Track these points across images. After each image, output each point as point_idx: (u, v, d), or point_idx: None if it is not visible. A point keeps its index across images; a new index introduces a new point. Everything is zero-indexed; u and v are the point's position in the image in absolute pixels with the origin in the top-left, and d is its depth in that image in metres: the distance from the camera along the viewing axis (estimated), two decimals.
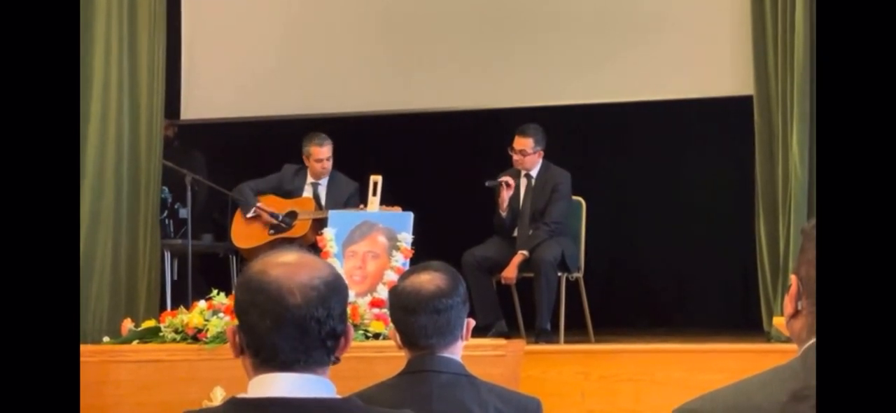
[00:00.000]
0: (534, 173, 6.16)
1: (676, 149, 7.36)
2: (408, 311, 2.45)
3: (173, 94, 7.02)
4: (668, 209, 7.29)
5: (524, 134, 6.08)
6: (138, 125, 6.67)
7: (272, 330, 1.71)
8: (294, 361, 1.72)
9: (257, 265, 1.77)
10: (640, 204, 7.41)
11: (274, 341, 1.71)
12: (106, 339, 4.99)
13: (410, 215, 5.44)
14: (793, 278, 1.69)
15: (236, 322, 1.78)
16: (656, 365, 5.20)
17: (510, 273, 5.95)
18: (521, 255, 5.95)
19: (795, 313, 1.67)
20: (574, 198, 6.34)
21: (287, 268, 1.74)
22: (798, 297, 1.66)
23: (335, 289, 1.76)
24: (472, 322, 2.53)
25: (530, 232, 6.03)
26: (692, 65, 6.41)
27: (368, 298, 4.97)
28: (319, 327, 1.72)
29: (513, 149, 6.07)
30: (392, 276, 5.14)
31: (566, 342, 5.92)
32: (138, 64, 6.67)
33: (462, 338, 2.48)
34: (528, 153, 6.06)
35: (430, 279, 2.45)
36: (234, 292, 1.79)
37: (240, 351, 1.77)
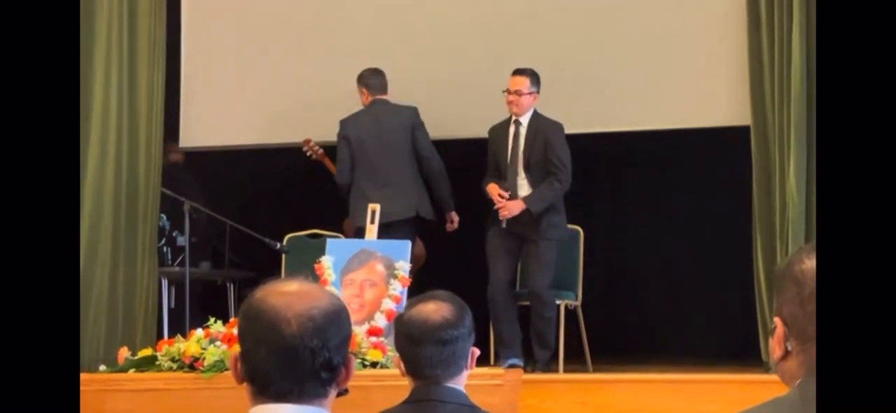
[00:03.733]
0: (524, 120, 5.95)
1: (674, 178, 7.37)
2: (414, 341, 2.45)
3: (172, 121, 7.03)
4: (666, 238, 7.30)
5: (520, 73, 5.87)
6: (137, 152, 6.68)
7: (266, 358, 1.69)
8: (287, 392, 1.69)
9: (260, 292, 1.76)
10: (638, 233, 7.41)
11: (267, 370, 1.69)
12: (102, 367, 4.98)
13: (408, 243, 5.44)
14: (777, 321, 1.68)
15: (239, 349, 1.78)
16: (656, 395, 5.19)
17: (513, 208, 5.80)
18: (523, 205, 5.81)
19: (785, 355, 1.66)
20: (572, 226, 6.34)
21: (287, 297, 1.72)
22: (785, 338, 1.66)
23: (334, 320, 1.73)
24: (477, 352, 2.52)
25: (527, 182, 5.87)
26: (689, 95, 6.43)
27: (366, 327, 4.97)
28: (313, 358, 1.69)
29: (508, 90, 5.90)
30: (390, 305, 5.14)
31: (565, 372, 5.91)
32: (137, 92, 6.69)
33: (467, 368, 2.48)
34: (524, 93, 5.87)
35: (436, 309, 2.45)
36: (238, 319, 1.78)
37: (241, 379, 1.75)
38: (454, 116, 6.69)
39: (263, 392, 1.70)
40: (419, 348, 2.44)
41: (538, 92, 5.99)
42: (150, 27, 6.70)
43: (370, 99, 6.37)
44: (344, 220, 6.59)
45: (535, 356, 5.86)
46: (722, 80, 6.30)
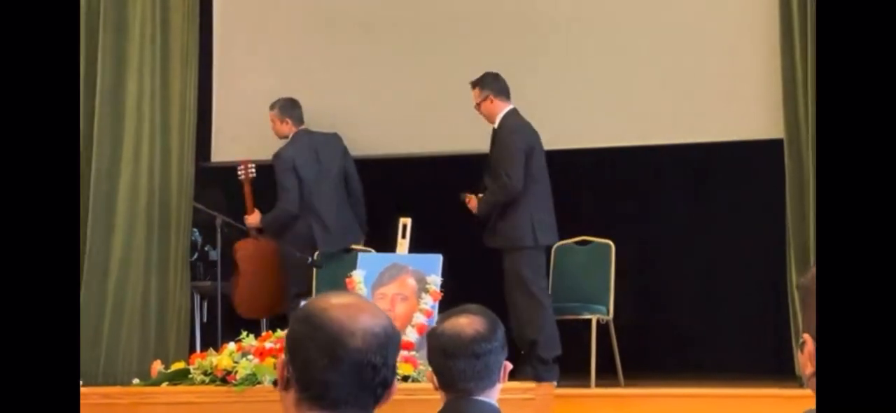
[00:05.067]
0: (496, 125, 5.93)
1: (706, 192, 7.33)
2: (447, 354, 2.45)
3: (204, 136, 7.07)
4: (699, 251, 7.25)
5: (472, 87, 5.93)
6: (169, 167, 6.72)
7: (328, 368, 1.71)
8: (343, 402, 1.71)
9: (319, 302, 1.77)
10: (671, 246, 7.37)
11: (328, 379, 1.71)
12: (136, 380, 5.01)
13: (439, 258, 5.44)
14: (806, 337, 1.66)
15: (284, 355, 1.78)
16: (688, 409, 5.16)
17: (470, 206, 5.88)
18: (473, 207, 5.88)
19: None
20: (603, 240, 6.31)
21: (349, 309, 1.74)
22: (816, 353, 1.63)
23: (393, 339, 1.76)
24: (509, 366, 2.52)
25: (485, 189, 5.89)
26: (721, 108, 6.39)
27: None
28: (374, 374, 1.72)
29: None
30: (421, 319, 5.14)
31: (596, 386, 5.88)
32: (170, 107, 6.74)
33: (499, 381, 2.48)
34: (478, 101, 5.90)
35: (469, 323, 2.46)
36: (290, 326, 1.79)
37: (286, 385, 1.76)
38: (484, 130, 6.69)
39: (317, 400, 1.72)
40: (452, 361, 2.45)
41: (492, 92, 5.91)
42: (182, 42, 6.75)
43: (295, 129, 6.53)
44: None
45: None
46: (755, 93, 6.26)
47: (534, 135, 5.96)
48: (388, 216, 6.05)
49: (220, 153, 7.22)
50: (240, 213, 6.89)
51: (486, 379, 2.45)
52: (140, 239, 6.65)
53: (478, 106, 5.96)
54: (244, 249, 6.70)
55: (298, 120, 6.57)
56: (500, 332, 2.48)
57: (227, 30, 7.16)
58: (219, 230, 6.56)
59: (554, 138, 6.57)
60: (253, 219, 6.64)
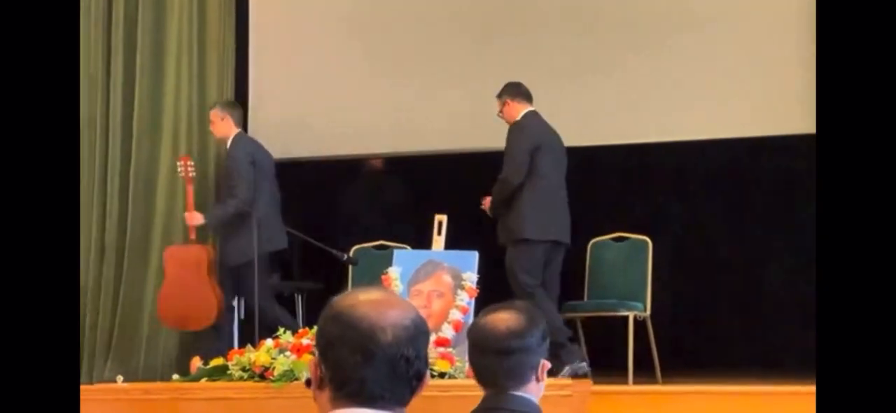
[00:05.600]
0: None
1: (745, 187, 7.28)
2: (478, 349, 2.46)
3: None
4: (737, 247, 7.20)
5: (497, 98, 6.08)
6: (207, 165, 6.78)
7: (362, 365, 1.72)
8: (379, 397, 1.73)
9: (346, 300, 1.78)
10: (708, 242, 7.32)
11: (363, 376, 1.72)
12: (175, 376, 5.05)
13: (475, 254, 5.44)
14: None
15: (316, 355, 1.79)
16: (727, 407, 5.12)
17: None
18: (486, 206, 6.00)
19: None
20: (640, 236, 6.29)
21: (377, 304, 1.75)
22: None
23: (422, 330, 1.77)
24: (548, 365, 2.50)
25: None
26: (760, 103, 6.35)
27: (433, 337, 4.98)
28: (408, 367, 1.73)
29: None
30: (457, 316, 5.14)
31: (634, 383, 5.86)
32: (207, 104, 6.80)
33: (537, 379, 2.46)
34: (499, 108, 6.06)
35: (503, 319, 2.45)
36: (319, 326, 1.80)
37: (319, 384, 1.77)
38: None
39: (352, 397, 1.73)
40: (481, 357, 2.45)
41: (509, 95, 6.06)
42: (218, 42, 6.81)
43: (235, 129, 6.50)
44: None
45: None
46: (792, 88, 6.20)
47: (545, 134, 6.00)
48: (424, 214, 6.06)
49: None
50: (281, 211, 6.92)
51: (517, 377, 2.43)
52: (178, 237, 6.71)
53: (500, 113, 6.07)
54: (174, 256, 6.43)
55: (238, 120, 6.56)
56: (537, 330, 2.46)
57: (262, 29, 7.20)
58: (255, 227, 6.59)
59: (589, 134, 6.55)
60: (195, 218, 6.43)
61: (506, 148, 5.97)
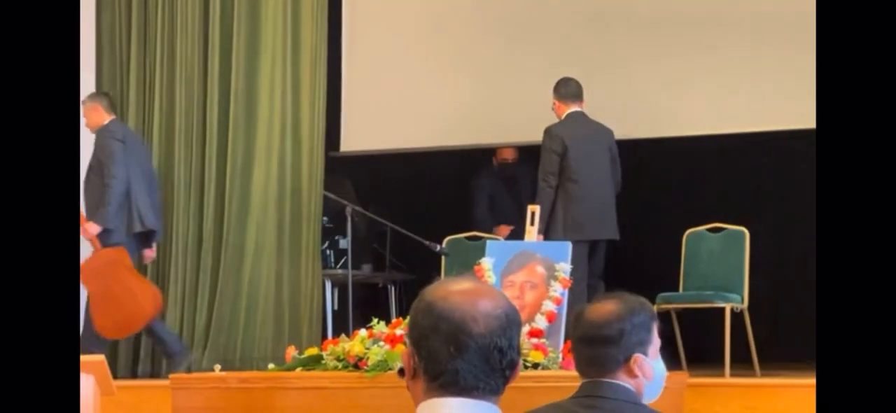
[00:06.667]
0: None
1: None
2: (577, 336, 2.47)
3: (334, 126, 7.18)
4: None
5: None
6: (300, 158, 6.86)
7: (455, 356, 1.73)
8: (473, 388, 1.73)
9: (437, 291, 1.78)
10: (807, 232, 7.14)
11: (456, 367, 1.73)
12: (271, 365, 5.12)
13: (569, 245, 5.40)
14: None
15: (409, 345, 1.79)
16: None
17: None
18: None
19: None
20: (737, 227, 6.18)
21: (469, 295, 1.76)
22: None
23: (514, 320, 1.77)
24: (639, 358, 2.46)
25: None
26: None
27: (527, 328, 4.95)
28: (501, 357, 1.74)
29: None
30: (550, 306, 5.11)
31: (731, 376, 5.75)
32: (300, 98, 6.87)
33: (630, 373, 2.43)
34: (552, 109, 6.18)
35: (605, 308, 2.44)
36: (411, 317, 1.80)
37: (413, 374, 1.78)
38: (621, 115, 6.64)
39: (446, 387, 1.74)
40: (579, 344, 2.46)
41: (556, 97, 6.17)
42: (312, 34, 6.87)
43: (108, 116, 6.47)
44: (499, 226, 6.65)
45: None
46: None
47: (575, 135, 6.08)
48: (518, 205, 6.05)
49: (350, 143, 7.33)
50: (368, 201, 6.97)
51: (600, 366, 2.41)
52: (273, 228, 6.80)
53: (554, 110, 6.20)
54: (88, 269, 6.15)
55: (108, 107, 6.54)
56: (627, 323, 2.42)
57: (356, 21, 7.25)
58: (349, 219, 6.64)
59: (687, 124, 6.46)
60: (91, 229, 6.31)
61: (543, 150, 6.12)
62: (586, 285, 5.86)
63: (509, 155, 7.25)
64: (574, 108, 6.14)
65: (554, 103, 6.18)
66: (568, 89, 6.16)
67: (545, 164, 6.05)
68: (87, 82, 7.11)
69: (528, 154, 6.75)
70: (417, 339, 1.77)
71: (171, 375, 5.22)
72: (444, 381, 1.73)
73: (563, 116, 6.15)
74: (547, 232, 5.99)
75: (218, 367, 5.13)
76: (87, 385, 4.30)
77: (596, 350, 2.41)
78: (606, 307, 2.44)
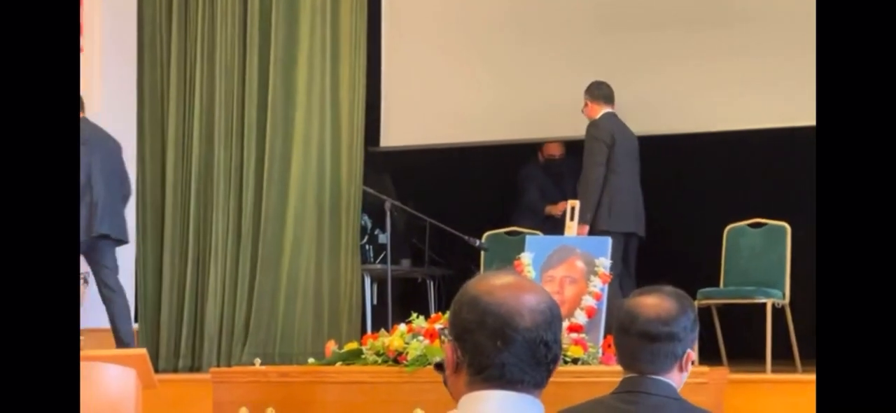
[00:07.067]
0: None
1: None
2: (622, 330, 2.44)
3: (373, 121, 7.19)
4: None
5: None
6: (339, 153, 6.87)
7: (502, 350, 1.74)
8: (519, 381, 1.75)
9: (481, 285, 1.79)
10: None
11: (503, 361, 1.74)
12: (311, 360, 5.14)
13: (609, 240, 5.38)
14: None
15: (450, 340, 1.79)
16: None
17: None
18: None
19: None
20: (778, 222, 6.13)
21: (513, 289, 1.78)
22: None
23: (557, 314, 1.79)
24: (692, 355, 2.45)
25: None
26: None
27: (566, 323, 4.94)
28: (546, 351, 1.76)
29: None
30: (590, 302, 5.09)
31: (773, 372, 5.71)
32: (340, 93, 6.88)
33: (680, 368, 2.41)
34: (585, 104, 6.35)
35: (651, 303, 2.41)
36: (454, 311, 1.81)
37: (455, 369, 1.78)
38: (658, 111, 6.60)
39: (492, 381, 1.75)
40: (625, 338, 2.43)
41: (589, 98, 6.35)
42: (351, 29, 6.88)
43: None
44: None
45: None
46: None
47: (618, 131, 6.27)
48: (564, 199, 6.03)
49: (389, 138, 7.34)
50: (407, 196, 6.97)
51: (658, 363, 2.39)
52: (312, 223, 6.82)
53: (583, 111, 6.37)
54: None
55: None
56: (685, 318, 2.41)
57: (395, 15, 7.25)
58: (388, 214, 6.66)
59: (725, 120, 6.41)
60: None
61: (585, 148, 6.26)
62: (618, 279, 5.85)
63: (556, 150, 7.26)
64: (607, 109, 6.33)
65: (586, 104, 6.34)
66: (602, 91, 6.37)
67: (595, 153, 6.22)
68: (129, 79, 7.18)
69: (574, 149, 6.74)
70: (461, 333, 1.77)
71: (211, 369, 5.26)
72: (489, 375, 1.74)
73: (597, 116, 6.31)
74: (595, 222, 6.11)
75: (258, 361, 5.16)
76: (129, 378, 4.34)
77: (656, 346, 2.37)
78: (663, 303, 2.40)
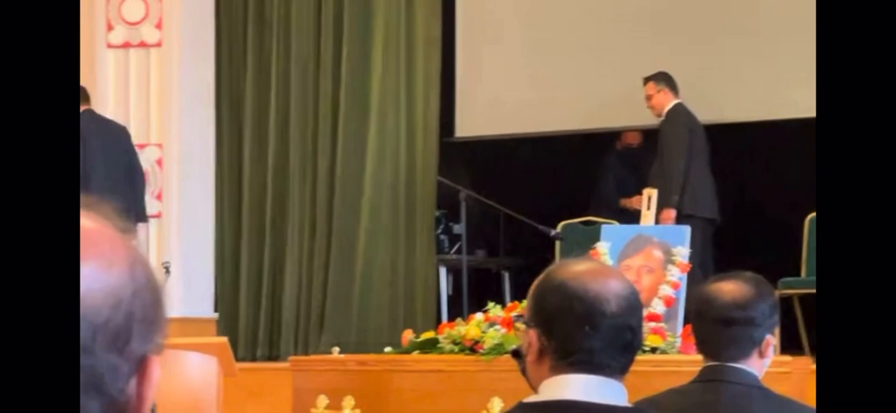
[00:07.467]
0: (663, 116, 6.36)
1: None
2: (699, 316, 2.40)
3: (447, 112, 7.20)
4: None
5: (647, 80, 6.36)
6: (414, 143, 6.90)
7: (590, 335, 1.74)
8: (606, 366, 1.76)
9: (564, 271, 1.80)
10: None
11: (592, 346, 1.75)
12: (388, 349, 5.17)
13: (687, 229, 5.32)
14: None
15: (532, 326, 1.79)
16: None
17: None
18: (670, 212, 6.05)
19: None
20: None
21: (598, 275, 1.80)
22: None
23: (639, 301, 1.83)
24: (772, 340, 2.40)
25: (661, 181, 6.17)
26: None
27: (644, 313, 4.89)
28: (632, 337, 1.78)
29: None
30: (668, 291, 5.03)
31: None
32: (414, 83, 6.91)
33: (760, 354, 2.37)
34: (652, 95, 6.33)
35: (729, 288, 2.36)
36: (537, 298, 1.80)
37: (539, 354, 1.78)
38: (724, 100, 6.50)
39: (578, 366, 1.75)
40: (702, 324, 2.39)
41: (667, 86, 6.34)
42: (425, 20, 6.90)
43: (81, 107, 6.31)
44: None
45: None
46: None
47: (693, 120, 6.35)
48: (632, 189, 5.98)
49: (464, 128, 7.34)
50: (481, 187, 6.97)
51: (739, 348, 2.35)
52: (387, 214, 6.86)
53: (649, 98, 6.36)
54: None
55: (83, 98, 6.43)
56: (765, 303, 2.36)
57: (469, 6, 7.25)
58: (462, 204, 6.66)
59: (806, 107, 6.29)
60: None
61: (669, 138, 6.27)
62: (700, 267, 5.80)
63: (633, 139, 7.21)
64: (676, 100, 6.34)
65: (657, 92, 6.33)
66: (671, 82, 6.39)
67: (679, 137, 6.27)
68: (206, 76, 7.28)
69: (652, 138, 6.69)
70: (547, 319, 1.77)
71: (291, 358, 5.32)
72: (575, 360, 1.75)
73: (668, 106, 6.32)
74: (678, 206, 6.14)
75: (336, 349, 5.20)
76: (211, 366, 4.40)
77: (734, 331, 2.33)
78: (741, 288, 2.36)
